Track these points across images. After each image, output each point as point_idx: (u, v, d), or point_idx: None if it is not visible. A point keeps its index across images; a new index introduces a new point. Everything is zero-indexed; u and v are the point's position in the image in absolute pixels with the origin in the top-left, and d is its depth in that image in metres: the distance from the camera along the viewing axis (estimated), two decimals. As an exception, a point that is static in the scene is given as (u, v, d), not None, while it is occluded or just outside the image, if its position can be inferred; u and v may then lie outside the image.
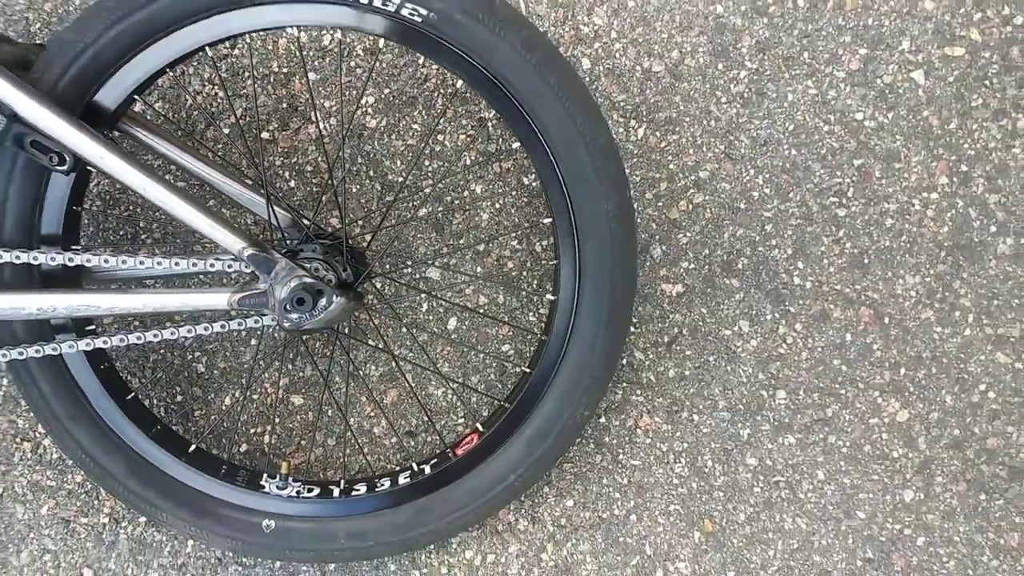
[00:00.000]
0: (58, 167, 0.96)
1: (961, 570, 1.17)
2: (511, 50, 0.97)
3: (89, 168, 0.98)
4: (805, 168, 1.17)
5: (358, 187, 1.19)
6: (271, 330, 1.20)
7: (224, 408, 1.21)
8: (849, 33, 1.15)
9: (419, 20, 0.96)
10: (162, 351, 1.20)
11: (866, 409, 1.18)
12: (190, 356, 1.20)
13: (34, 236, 1.00)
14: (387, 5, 0.95)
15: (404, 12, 0.96)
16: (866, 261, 1.17)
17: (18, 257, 0.95)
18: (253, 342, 1.20)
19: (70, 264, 0.96)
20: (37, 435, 1.20)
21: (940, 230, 1.16)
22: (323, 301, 0.95)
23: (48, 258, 0.95)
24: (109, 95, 0.98)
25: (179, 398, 1.21)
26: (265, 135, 1.19)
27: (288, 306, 0.94)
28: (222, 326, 0.98)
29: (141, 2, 0.95)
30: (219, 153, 1.18)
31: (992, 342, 1.16)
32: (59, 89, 0.96)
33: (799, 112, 1.16)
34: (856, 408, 1.18)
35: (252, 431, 1.22)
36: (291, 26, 0.97)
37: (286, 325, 0.96)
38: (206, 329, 0.98)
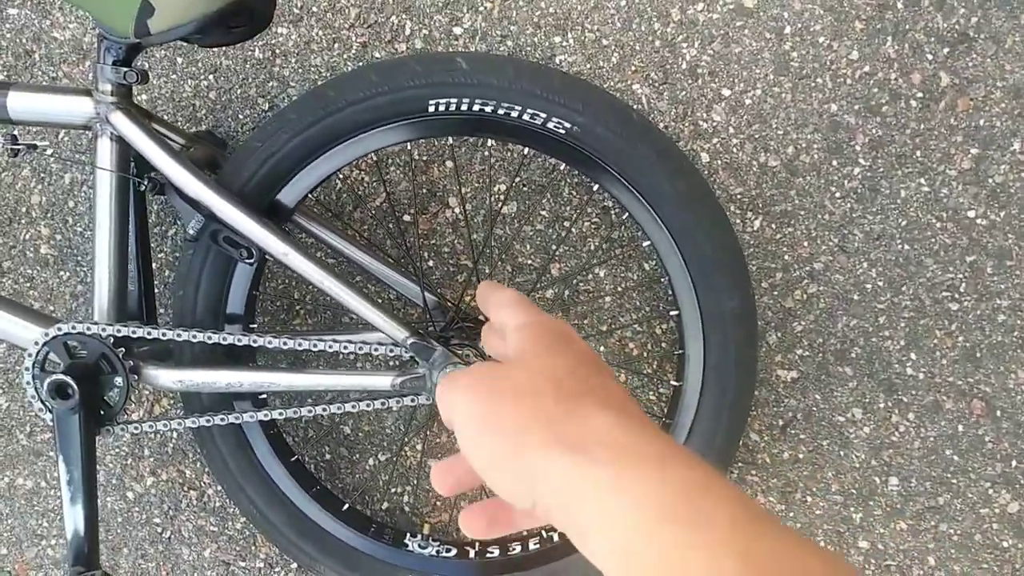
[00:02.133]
0: (246, 260, 1.10)
1: (1072, 660, 1.20)
2: (645, 160, 1.07)
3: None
4: (918, 263, 1.22)
5: (490, 268, 1.31)
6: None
7: (368, 468, 1.33)
8: (961, 133, 1.21)
9: (563, 132, 1.07)
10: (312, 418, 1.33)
11: (977, 499, 1.22)
12: (338, 419, 1.33)
13: (220, 317, 1.14)
14: (535, 119, 1.06)
15: (550, 125, 1.07)
16: (978, 355, 1.22)
17: (210, 338, 1.09)
18: (395, 409, 1.32)
19: (253, 344, 1.09)
20: (203, 484, 1.34)
21: (1053, 326, 1.20)
22: (472, 385, 1.06)
23: (235, 339, 1.09)
24: (288, 195, 1.11)
25: (328, 456, 1.33)
26: (407, 217, 1.31)
27: (443, 389, 1.05)
28: (382, 403, 1.10)
29: (319, 116, 1.08)
30: (368, 238, 1.31)
31: (1106, 439, 1.19)
32: (247, 191, 1.09)
33: (912, 208, 1.22)
34: (967, 498, 1.22)
35: (393, 490, 1.33)
36: (451, 136, 1.09)
37: (440, 405, 1.07)
38: (368, 406, 1.10)
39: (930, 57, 1.20)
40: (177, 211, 1.09)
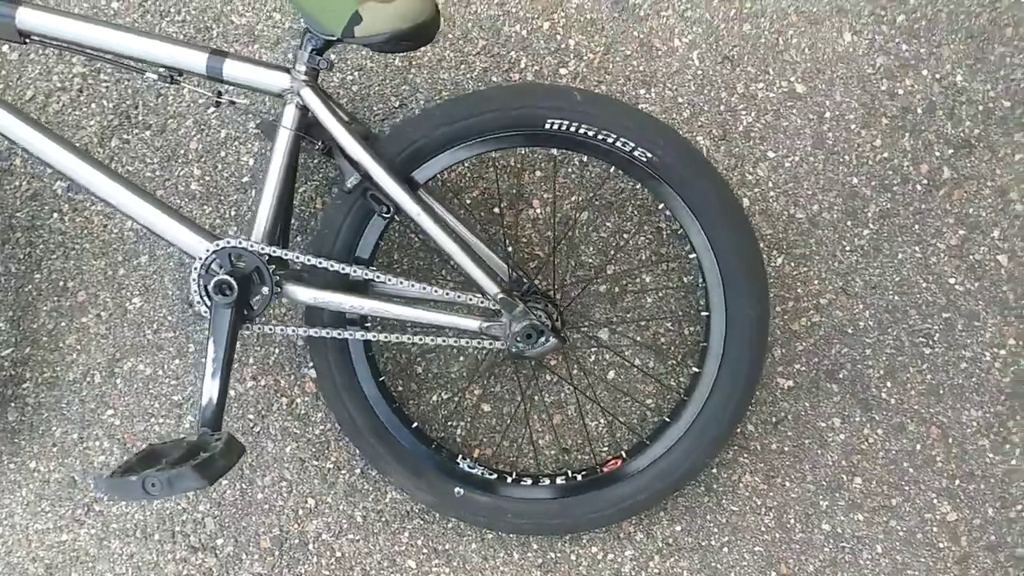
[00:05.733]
0: (384, 215, 1.38)
1: (980, 653, 1.46)
2: (704, 191, 1.37)
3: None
4: (903, 312, 1.52)
5: (559, 260, 1.59)
6: (488, 353, 1.57)
7: (431, 403, 1.60)
8: (953, 216, 1.50)
9: (645, 160, 1.37)
10: (393, 352, 1.61)
11: (923, 505, 1.51)
12: (411, 359, 1.60)
13: (351, 256, 1.41)
14: (624, 146, 1.37)
15: (636, 153, 1.37)
16: (941, 392, 1.51)
17: (344, 268, 1.36)
18: (461, 358, 1.60)
19: (376, 280, 1.38)
20: (293, 393, 1.59)
21: (1003, 379, 1.49)
22: (542, 339, 1.35)
23: (363, 273, 1.37)
24: (423, 173, 1.39)
25: (400, 389, 1.61)
26: (496, 210, 1.60)
27: (518, 338, 1.34)
28: (467, 341, 1.38)
29: (460, 116, 1.37)
30: (465, 217, 1.58)
31: (1032, 474, 1.48)
32: (396, 163, 1.36)
33: (905, 269, 1.52)
34: (915, 503, 1.52)
35: (449, 424, 1.61)
36: (556, 149, 1.38)
37: (513, 351, 1.35)
38: (455, 340, 1.39)
39: (937, 154, 1.50)
40: (340, 169, 1.34)
